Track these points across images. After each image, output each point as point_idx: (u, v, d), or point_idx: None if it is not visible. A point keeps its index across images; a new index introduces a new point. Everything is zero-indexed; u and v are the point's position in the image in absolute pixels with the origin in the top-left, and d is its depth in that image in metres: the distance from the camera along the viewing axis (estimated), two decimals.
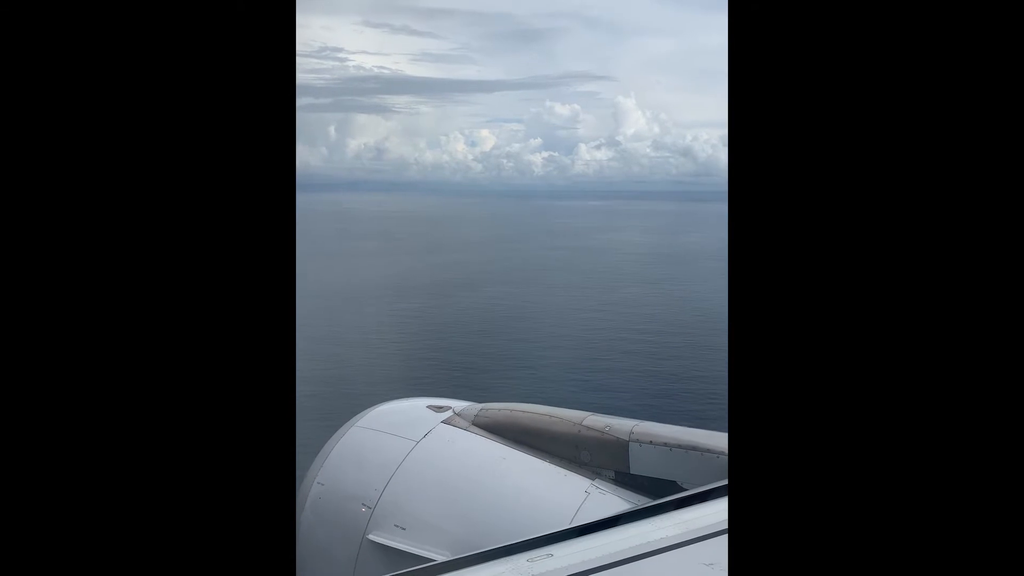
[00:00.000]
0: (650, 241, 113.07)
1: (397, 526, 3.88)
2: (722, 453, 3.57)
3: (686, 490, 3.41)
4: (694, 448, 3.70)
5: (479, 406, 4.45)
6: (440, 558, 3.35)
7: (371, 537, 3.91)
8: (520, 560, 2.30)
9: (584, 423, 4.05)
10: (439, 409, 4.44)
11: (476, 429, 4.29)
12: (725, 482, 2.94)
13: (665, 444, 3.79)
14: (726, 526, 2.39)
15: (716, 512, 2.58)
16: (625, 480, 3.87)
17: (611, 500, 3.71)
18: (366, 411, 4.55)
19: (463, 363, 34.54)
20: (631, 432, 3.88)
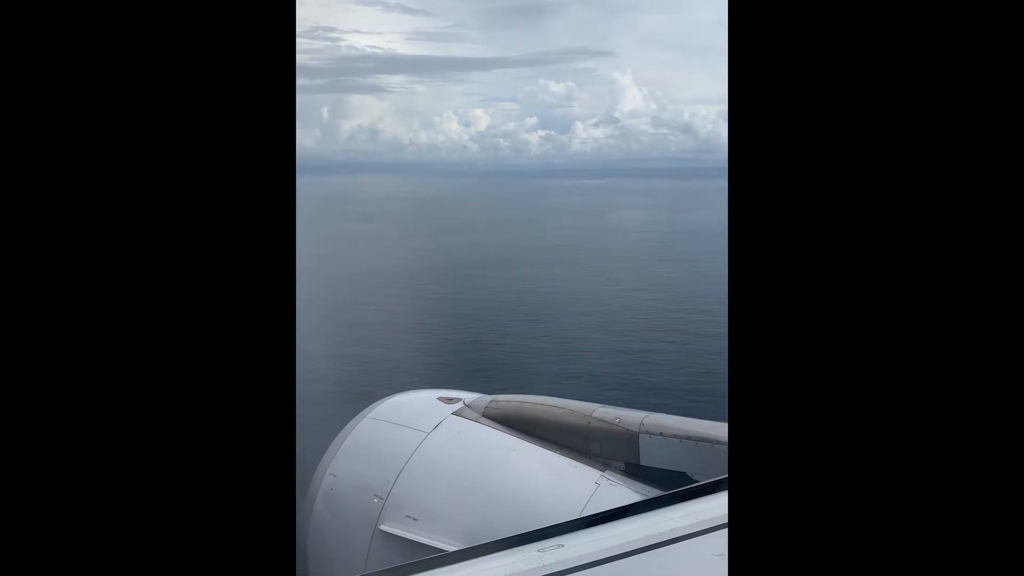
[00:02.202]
0: (664, 219, 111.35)
1: (408, 516, 3.90)
2: None
3: (696, 481, 3.39)
4: (703, 440, 3.71)
5: (489, 398, 4.50)
6: (451, 548, 3.26)
7: (383, 527, 3.92)
8: (531, 550, 2.32)
9: (594, 415, 4.11)
10: (449, 401, 4.47)
11: (486, 421, 4.31)
12: None
13: (675, 436, 3.82)
14: None
15: (726, 504, 2.49)
16: (635, 472, 3.89)
17: (621, 491, 3.71)
18: (377, 403, 4.57)
19: (526, 348, 32.65)
20: (641, 424, 3.92)
